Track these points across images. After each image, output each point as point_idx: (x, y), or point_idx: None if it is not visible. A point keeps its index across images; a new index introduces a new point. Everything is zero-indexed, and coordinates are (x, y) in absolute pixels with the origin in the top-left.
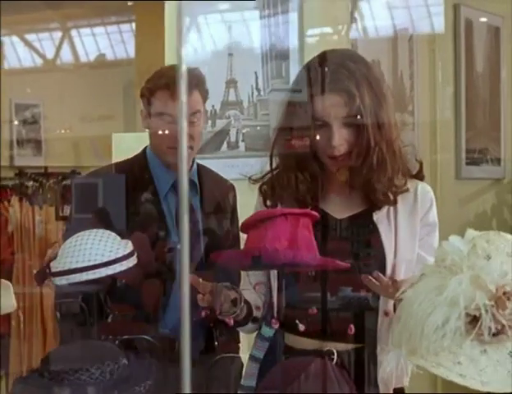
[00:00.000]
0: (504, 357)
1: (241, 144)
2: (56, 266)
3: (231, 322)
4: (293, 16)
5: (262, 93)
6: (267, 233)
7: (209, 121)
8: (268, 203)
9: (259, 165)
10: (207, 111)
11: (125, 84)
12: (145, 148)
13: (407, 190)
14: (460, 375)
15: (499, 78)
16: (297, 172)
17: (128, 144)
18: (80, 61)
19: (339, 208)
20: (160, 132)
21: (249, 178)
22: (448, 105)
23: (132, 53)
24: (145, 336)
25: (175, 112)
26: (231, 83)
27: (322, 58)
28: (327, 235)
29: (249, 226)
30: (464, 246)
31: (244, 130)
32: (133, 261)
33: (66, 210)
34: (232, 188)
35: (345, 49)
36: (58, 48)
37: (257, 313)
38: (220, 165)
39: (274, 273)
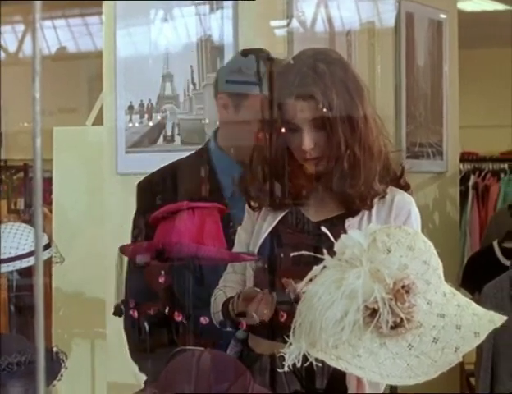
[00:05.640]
0: (403, 350)
1: (177, 138)
2: None
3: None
4: (228, 11)
5: (197, 87)
6: (173, 226)
7: (145, 115)
8: (252, 204)
9: None
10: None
11: (91, 77)
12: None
13: (384, 196)
14: (360, 368)
15: (441, 72)
16: (273, 170)
17: (70, 139)
18: (42, 54)
19: (315, 211)
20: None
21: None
22: (388, 99)
23: (99, 46)
24: None
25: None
26: (167, 77)
27: (296, 59)
28: (299, 237)
29: (157, 219)
30: (364, 240)
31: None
32: (47, 254)
33: (19, 203)
34: None
35: (319, 49)
36: (20, 42)
37: None
38: (157, 158)
39: (248, 269)
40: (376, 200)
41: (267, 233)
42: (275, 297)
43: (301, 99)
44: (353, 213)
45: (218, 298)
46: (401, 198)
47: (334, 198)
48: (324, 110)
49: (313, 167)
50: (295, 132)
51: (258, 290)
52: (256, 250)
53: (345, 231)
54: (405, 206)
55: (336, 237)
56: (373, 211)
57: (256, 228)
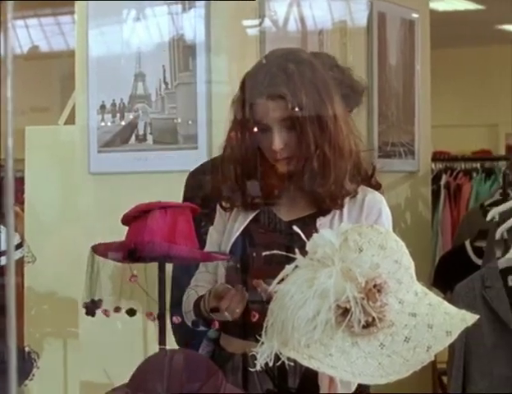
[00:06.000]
0: (375, 349)
1: (149, 137)
2: None
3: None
4: (200, 10)
5: (169, 86)
6: (145, 225)
7: (118, 114)
8: (224, 204)
9: None
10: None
11: (63, 76)
12: None
13: (355, 195)
14: (332, 367)
15: (413, 71)
16: (245, 170)
17: (42, 138)
18: (14, 53)
19: (287, 210)
20: None
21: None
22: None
23: (71, 45)
24: None
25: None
26: (140, 76)
27: (266, 59)
28: (271, 236)
29: (129, 218)
30: (336, 239)
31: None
32: (19, 254)
33: None
34: None
35: (289, 49)
36: None
37: None
38: (129, 158)
39: (220, 268)
40: (347, 199)
41: (238, 233)
42: (246, 294)
43: (271, 99)
44: (324, 212)
45: (190, 297)
46: (372, 197)
47: (305, 197)
48: (294, 110)
49: (285, 167)
50: (266, 132)
51: (230, 287)
52: (227, 250)
53: (316, 231)
54: (376, 205)
55: (308, 236)
56: (345, 210)
57: (227, 228)
